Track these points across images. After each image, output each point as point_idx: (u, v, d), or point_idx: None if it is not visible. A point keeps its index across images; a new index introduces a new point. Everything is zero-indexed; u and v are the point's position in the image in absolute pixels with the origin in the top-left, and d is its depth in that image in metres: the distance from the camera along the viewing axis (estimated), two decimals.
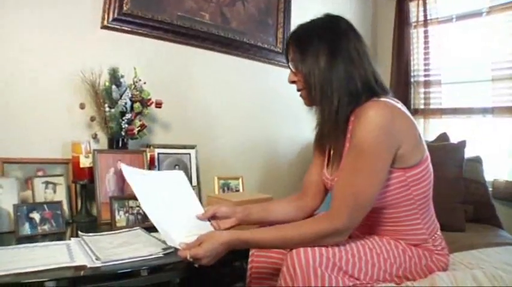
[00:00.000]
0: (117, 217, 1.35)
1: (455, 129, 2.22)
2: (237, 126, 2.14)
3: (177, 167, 1.83)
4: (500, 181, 2.15)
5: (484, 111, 2.33)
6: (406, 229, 1.04)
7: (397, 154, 0.95)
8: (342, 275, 0.92)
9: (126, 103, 1.45)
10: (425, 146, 1.04)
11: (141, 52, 1.72)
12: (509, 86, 2.21)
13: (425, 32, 2.58)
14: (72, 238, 1.18)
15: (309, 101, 1.09)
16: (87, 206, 1.47)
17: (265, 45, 2.23)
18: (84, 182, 1.42)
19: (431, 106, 2.59)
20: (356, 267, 0.94)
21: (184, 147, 1.88)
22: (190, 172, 1.88)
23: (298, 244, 0.93)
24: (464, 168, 1.74)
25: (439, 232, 1.11)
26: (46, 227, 1.23)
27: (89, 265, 0.96)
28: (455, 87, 2.50)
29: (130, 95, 1.46)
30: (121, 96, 1.44)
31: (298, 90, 1.10)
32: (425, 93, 2.62)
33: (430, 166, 1.04)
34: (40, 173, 1.41)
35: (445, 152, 1.71)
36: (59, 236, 1.23)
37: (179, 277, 1.16)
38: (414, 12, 2.64)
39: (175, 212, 1.09)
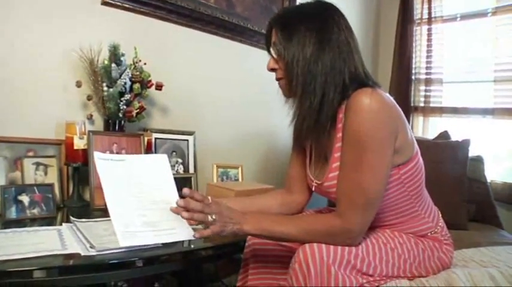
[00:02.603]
0: None
1: (455, 129, 2.20)
2: (237, 113, 2.08)
3: (174, 153, 1.76)
4: (497, 182, 2.15)
5: (485, 112, 2.33)
6: (410, 222, 1.01)
7: (395, 144, 0.89)
8: (355, 274, 0.89)
9: (125, 83, 1.36)
10: (415, 140, 0.98)
11: (142, 32, 1.63)
12: (511, 88, 2.20)
13: (429, 29, 2.57)
14: (63, 223, 1.10)
15: (288, 92, 1.00)
16: (79, 191, 1.38)
17: None
18: (77, 164, 1.33)
19: (432, 104, 2.58)
20: (370, 265, 0.90)
21: (183, 133, 1.80)
22: (188, 159, 1.81)
23: (306, 241, 0.88)
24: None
25: (441, 219, 1.09)
26: (35, 211, 1.15)
27: (82, 253, 0.88)
28: (456, 86, 2.49)
29: (130, 75, 1.38)
30: (120, 75, 1.35)
31: (278, 79, 1.02)
32: (426, 91, 2.62)
33: (421, 159, 0.99)
34: (30, 154, 1.32)
35: (450, 150, 1.69)
36: (49, 221, 1.14)
37: (176, 268, 1.09)
38: (418, 9, 2.62)
39: (144, 207, 0.93)
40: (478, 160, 1.87)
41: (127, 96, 1.39)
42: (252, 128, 2.17)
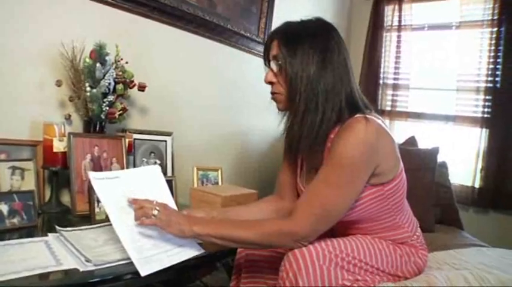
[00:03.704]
0: (97, 210, 1.22)
1: (419, 133, 2.33)
2: (212, 114, 2.06)
3: (152, 154, 1.72)
4: (455, 184, 2.32)
5: (447, 118, 2.48)
6: (390, 231, 1.06)
7: (375, 171, 0.94)
8: (345, 273, 0.93)
9: (109, 83, 1.31)
10: (400, 158, 1.04)
11: (123, 29, 1.56)
12: (472, 98, 2.37)
13: (398, 36, 2.69)
14: (49, 234, 1.04)
15: (286, 106, 1.02)
16: (57, 195, 1.31)
17: (248, 34, 2.17)
18: (56, 168, 1.27)
19: (398, 109, 2.72)
20: (356, 266, 0.95)
21: (161, 133, 1.76)
22: (166, 161, 1.77)
23: (255, 242, 0.93)
24: None
25: (419, 229, 1.16)
26: (15, 220, 1.07)
27: (80, 269, 0.84)
28: (422, 92, 2.63)
29: (114, 76, 1.32)
30: (104, 75, 1.29)
31: (274, 93, 1.03)
32: (393, 95, 2.74)
33: (404, 174, 1.05)
34: (2, 156, 1.23)
35: (420, 158, 1.79)
36: (30, 230, 1.08)
37: (171, 277, 1.07)
38: (389, 16, 2.73)
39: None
40: (444, 166, 2.01)
41: (110, 98, 1.33)
42: (227, 130, 2.18)
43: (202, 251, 1.00)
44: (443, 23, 2.51)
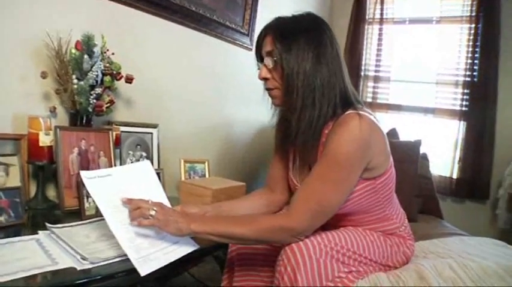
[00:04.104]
0: (86, 205, 1.19)
1: (399, 125, 2.39)
2: (197, 106, 2.05)
3: (138, 146, 1.69)
4: (434, 175, 2.40)
5: (426, 110, 2.56)
6: (380, 223, 1.10)
7: (368, 166, 0.96)
8: (340, 264, 0.96)
9: (97, 75, 1.27)
10: (390, 153, 1.07)
11: (107, 18, 1.51)
12: (451, 91, 2.45)
13: (380, 29, 2.73)
14: (39, 231, 1.01)
15: (283, 102, 1.02)
16: (44, 191, 1.27)
17: (233, 25, 2.15)
18: (43, 163, 1.22)
19: (379, 101, 2.77)
20: (351, 258, 0.98)
21: (147, 125, 1.73)
22: (152, 153, 1.75)
23: (253, 237, 0.94)
24: None
25: (406, 220, 1.20)
26: (3, 218, 1.03)
27: (78, 268, 0.83)
28: (402, 85, 2.69)
29: (102, 68, 1.28)
30: (91, 67, 1.25)
31: (269, 89, 1.02)
32: (374, 87, 2.79)
33: (393, 168, 1.08)
34: None
35: (404, 150, 1.84)
36: (19, 228, 1.04)
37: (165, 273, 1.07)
38: (371, 9, 2.76)
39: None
40: (425, 158, 2.07)
41: (98, 90, 1.29)
42: (212, 121, 2.17)
43: (198, 246, 1.00)
44: (424, 17, 2.57)
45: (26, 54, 1.26)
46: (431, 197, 1.98)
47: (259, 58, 1.05)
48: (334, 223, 1.10)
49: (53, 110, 1.32)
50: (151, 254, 0.89)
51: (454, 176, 2.45)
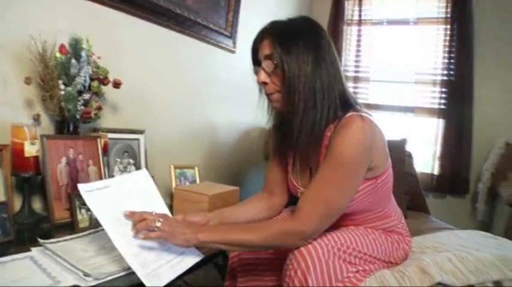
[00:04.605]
0: (79, 217, 1.13)
1: (381, 125, 2.44)
2: (181, 110, 2.01)
3: (126, 153, 1.63)
4: (417, 172, 2.46)
5: (406, 109, 2.63)
6: (380, 221, 1.12)
7: (370, 166, 0.98)
8: (348, 264, 0.97)
9: (85, 81, 1.21)
10: (388, 152, 1.09)
11: (90, 21, 1.44)
12: (430, 90, 2.53)
13: (359, 30, 2.78)
14: (32, 248, 0.94)
15: (284, 106, 1.01)
16: (30, 204, 1.19)
17: (216, 28, 2.12)
18: (29, 174, 1.15)
19: (359, 101, 2.81)
20: (357, 257, 0.99)
21: (134, 131, 1.67)
22: (139, 160, 1.69)
23: (263, 244, 0.94)
24: None
25: (403, 217, 1.22)
26: None
27: (82, 285, 0.78)
28: (382, 85, 2.75)
29: (90, 72, 1.22)
30: (79, 72, 1.19)
31: (270, 93, 1.02)
32: (354, 88, 2.83)
33: (391, 169, 1.11)
34: None
35: (391, 149, 1.86)
36: (7, 246, 0.96)
37: None
38: (350, 10, 2.81)
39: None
40: (409, 156, 2.12)
41: (85, 96, 1.23)
42: (196, 125, 2.13)
43: (202, 256, 0.99)
44: (402, 18, 2.64)
45: (7, 58, 1.18)
46: (418, 193, 2.03)
47: (256, 62, 1.04)
48: (336, 222, 1.09)
49: (36, 118, 1.24)
50: (159, 267, 0.86)
51: (435, 172, 2.52)
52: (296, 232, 0.91)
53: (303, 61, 0.95)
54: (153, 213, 0.90)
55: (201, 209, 1.32)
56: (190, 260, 0.94)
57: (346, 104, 1.00)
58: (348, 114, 0.96)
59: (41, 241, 0.96)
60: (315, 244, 0.92)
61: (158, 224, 0.86)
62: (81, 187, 0.89)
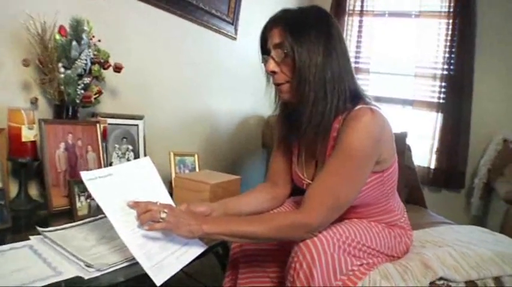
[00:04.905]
0: (78, 205, 1.10)
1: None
2: (181, 96, 1.97)
3: (124, 139, 1.59)
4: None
5: (405, 102, 2.62)
6: (384, 215, 1.11)
7: (378, 159, 0.97)
8: (352, 257, 0.97)
9: (86, 64, 1.16)
10: (395, 146, 1.08)
11: (90, 2, 1.39)
12: (429, 84, 2.52)
13: (360, 21, 2.75)
14: (31, 236, 0.91)
15: (293, 97, 0.99)
16: (26, 190, 1.16)
17: (218, 14, 2.07)
18: (26, 160, 1.11)
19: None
20: (361, 251, 0.99)
21: (133, 117, 1.63)
22: (138, 146, 1.66)
23: (268, 236, 0.92)
24: None
25: (406, 212, 1.23)
26: None
27: (85, 277, 0.75)
28: (381, 77, 2.73)
29: (91, 55, 1.18)
30: (79, 55, 1.15)
31: (279, 83, 1.00)
32: None
33: (397, 163, 1.10)
34: None
35: None
36: (4, 234, 0.93)
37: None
38: (352, 1, 2.77)
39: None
40: (408, 149, 2.12)
41: (86, 80, 1.19)
42: (196, 112, 2.10)
43: (206, 247, 0.97)
44: (404, 11, 2.62)
45: (4, 38, 1.14)
46: (416, 187, 2.04)
47: (265, 51, 1.02)
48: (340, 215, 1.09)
49: (34, 102, 1.20)
50: (164, 259, 0.84)
51: (432, 166, 2.53)
52: (302, 225, 0.90)
53: (314, 51, 0.93)
54: (158, 203, 0.88)
55: (202, 199, 1.30)
56: (194, 251, 0.93)
57: (356, 95, 0.99)
58: (357, 107, 0.95)
59: (39, 229, 0.94)
60: (321, 236, 0.91)
61: (163, 215, 0.84)
62: (84, 175, 0.86)
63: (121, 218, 0.84)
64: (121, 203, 0.87)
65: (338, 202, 0.93)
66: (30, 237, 0.91)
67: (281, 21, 0.97)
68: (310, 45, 0.93)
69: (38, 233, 0.93)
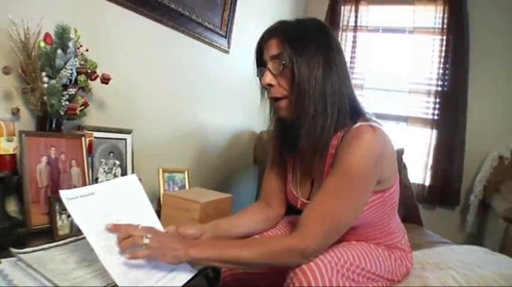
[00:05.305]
0: (59, 223, 1.02)
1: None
2: (171, 110, 1.91)
3: (111, 154, 1.52)
4: None
5: (399, 118, 2.60)
6: (384, 236, 1.06)
7: (379, 179, 0.93)
8: (351, 281, 0.91)
9: (71, 74, 1.11)
10: (396, 164, 1.04)
11: (79, 9, 1.34)
12: (423, 100, 2.51)
13: (354, 37, 2.75)
14: (2, 260, 0.83)
15: (291, 113, 0.94)
16: (3, 206, 1.08)
17: (211, 26, 2.04)
18: (4, 174, 1.04)
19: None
20: (360, 275, 0.93)
21: (121, 131, 1.57)
22: (126, 161, 1.59)
23: (261, 262, 0.86)
24: None
25: (406, 233, 1.18)
26: None
27: None
28: (375, 93, 2.72)
29: (77, 65, 1.12)
30: (65, 64, 1.09)
31: (276, 98, 0.95)
32: None
33: (398, 182, 1.05)
34: None
35: None
36: None
37: None
38: (346, 16, 2.77)
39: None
40: (404, 166, 2.08)
41: (71, 90, 1.13)
42: (186, 127, 2.04)
43: (195, 271, 0.90)
44: (398, 27, 2.62)
45: None
46: (412, 205, 1.99)
47: (261, 63, 0.98)
48: None
49: (16, 112, 1.13)
50: None
51: (427, 183, 2.50)
52: (298, 250, 0.84)
53: (314, 63, 0.89)
54: (140, 227, 0.80)
55: (192, 218, 1.23)
56: (183, 277, 0.86)
57: (355, 111, 0.95)
58: (357, 124, 0.90)
59: (14, 250, 0.85)
60: (317, 261, 0.86)
61: (146, 240, 0.77)
62: (63, 194, 0.79)
63: (103, 242, 0.77)
64: (103, 226, 0.80)
65: (336, 225, 0.88)
66: (2, 260, 0.83)
67: (279, 32, 0.93)
68: (310, 57, 0.89)
69: (12, 255, 0.85)
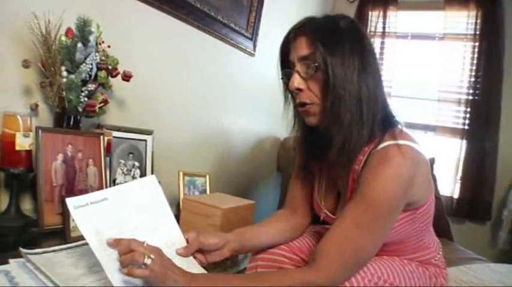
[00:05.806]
0: (72, 224, 0.98)
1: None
2: (194, 112, 1.87)
3: (131, 155, 1.48)
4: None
5: (427, 128, 2.49)
6: (417, 252, 0.97)
7: (410, 200, 0.83)
8: None
9: (91, 69, 1.07)
10: (432, 180, 0.93)
11: (101, 5, 1.31)
12: (453, 109, 2.39)
13: (382, 43, 2.66)
14: (10, 260, 0.78)
15: (322, 120, 0.85)
16: (18, 204, 1.04)
17: (237, 28, 2.00)
18: (19, 170, 1.00)
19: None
20: None
21: (141, 132, 1.53)
22: (145, 163, 1.54)
23: None
24: None
25: (441, 249, 1.07)
26: None
27: None
28: (403, 101, 2.62)
29: (98, 60, 1.08)
30: (85, 58, 1.06)
31: (304, 103, 0.85)
32: None
33: (433, 197, 0.95)
34: None
35: None
36: None
37: None
38: (374, 22, 2.69)
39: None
40: (433, 177, 1.97)
41: (90, 86, 1.09)
42: (208, 130, 1.99)
43: None
44: (427, 33, 2.53)
45: (5, 38, 1.05)
46: (442, 217, 1.88)
47: (286, 65, 0.89)
48: None
49: (34, 108, 1.10)
50: None
51: (456, 195, 2.37)
52: (317, 284, 0.76)
53: (349, 65, 0.79)
54: (145, 244, 0.72)
55: (213, 224, 1.17)
56: None
57: (387, 118, 0.85)
58: (384, 143, 0.80)
59: (23, 251, 0.81)
60: (352, 279, 0.79)
61: (148, 261, 0.69)
62: (71, 202, 0.71)
63: (111, 256, 0.70)
64: (113, 236, 0.73)
65: (357, 258, 0.80)
66: (10, 260, 0.78)
67: (308, 29, 0.84)
68: (344, 57, 0.79)
69: (21, 256, 0.80)
